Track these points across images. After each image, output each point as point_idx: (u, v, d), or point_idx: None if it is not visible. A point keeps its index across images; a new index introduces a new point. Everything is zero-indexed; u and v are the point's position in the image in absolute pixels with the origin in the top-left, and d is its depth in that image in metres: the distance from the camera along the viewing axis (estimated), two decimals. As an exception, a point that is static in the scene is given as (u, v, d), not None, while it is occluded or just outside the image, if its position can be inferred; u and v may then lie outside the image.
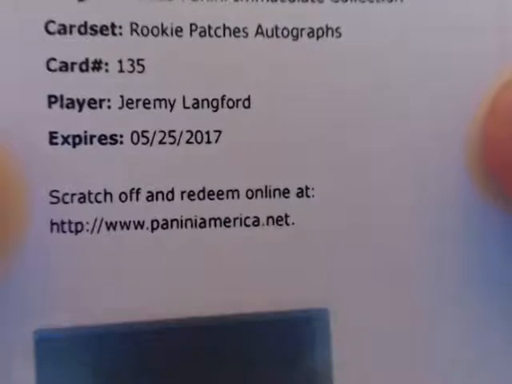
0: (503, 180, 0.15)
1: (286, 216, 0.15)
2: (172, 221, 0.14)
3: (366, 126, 0.15)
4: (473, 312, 0.15)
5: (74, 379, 0.14)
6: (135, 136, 0.14)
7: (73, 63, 0.14)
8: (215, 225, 0.14)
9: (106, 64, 0.14)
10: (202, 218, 0.14)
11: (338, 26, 0.15)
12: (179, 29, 0.14)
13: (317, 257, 0.15)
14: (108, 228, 0.14)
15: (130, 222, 0.14)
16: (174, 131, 0.14)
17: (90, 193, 0.14)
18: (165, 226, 0.14)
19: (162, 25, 0.14)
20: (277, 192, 0.15)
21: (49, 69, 0.14)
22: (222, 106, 0.14)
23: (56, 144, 0.14)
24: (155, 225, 0.14)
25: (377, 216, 0.15)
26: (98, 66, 0.14)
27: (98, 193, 0.14)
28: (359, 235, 0.15)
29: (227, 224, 0.15)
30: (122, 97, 0.14)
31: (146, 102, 0.14)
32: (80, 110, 0.14)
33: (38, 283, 0.14)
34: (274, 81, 0.15)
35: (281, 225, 0.15)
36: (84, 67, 0.14)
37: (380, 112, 0.15)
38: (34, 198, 0.14)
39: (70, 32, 0.14)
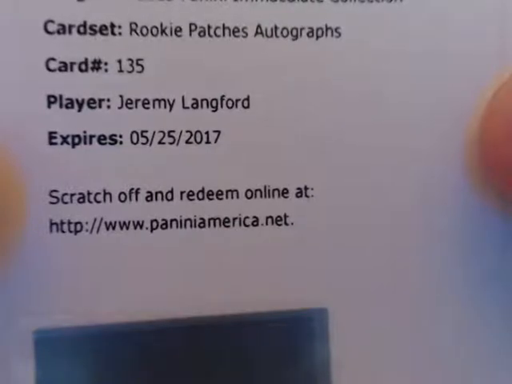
0: (502, 180, 0.15)
1: (286, 216, 0.15)
2: (171, 221, 0.14)
3: (365, 126, 0.15)
4: (472, 312, 0.15)
5: (73, 379, 0.14)
6: (135, 136, 0.14)
7: (72, 63, 0.14)
8: (214, 225, 0.14)
9: (106, 64, 0.14)
10: (201, 218, 0.14)
11: (338, 26, 0.15)
12: (179, 29, 0.14)
13: (316, 257, 0.15)
14: (107, 228, 0.14)
15: (129, 222, 0.14)
16: (173, 131, 0.14)
17: (89, 193, 0.14)
18: (164, 226, 0.14)
19: (161, 25, 0.14)
20: (276, 192, 0.15)
21: (48, 69, 0.14)
22: (222, 106, 0.14)
23: (55, 144, 0.14)
24: (154, 225, 0.14)
25: (376, 216, 0.15)
26: (97, 65, 0.14)
27: (98, 193, 0.14)
28: (359, 235, 0.15)
29: (226, 224, 0.15)
30: (121, 97, 0.14)
31: (146, 102, 0.14)
32: (79, 110, 0.14)
33: (37, 283, 0.14)
34: (273, 81, 0.15)
35: (280, 225, 0.15)
36: (83, 67, 0.14)
37: (379, 112, 0.15)
38: (34, 198, 0.14)
39: (70, 32, 0.14)
